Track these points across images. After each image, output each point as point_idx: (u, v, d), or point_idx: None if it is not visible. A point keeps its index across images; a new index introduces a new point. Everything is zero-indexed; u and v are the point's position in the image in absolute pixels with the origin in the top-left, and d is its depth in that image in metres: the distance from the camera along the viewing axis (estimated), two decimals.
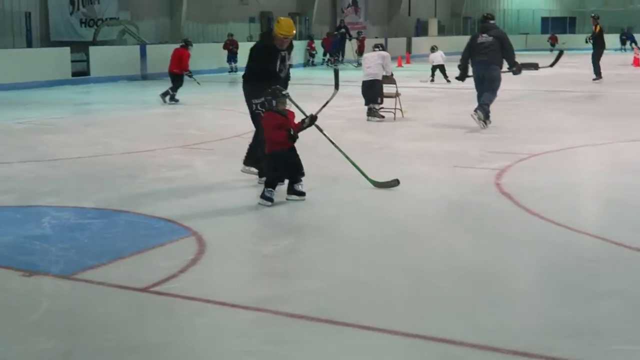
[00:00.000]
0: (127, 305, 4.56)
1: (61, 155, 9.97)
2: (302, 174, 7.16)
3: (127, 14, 25.95)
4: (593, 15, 23.18)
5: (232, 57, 26.22)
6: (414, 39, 39.75)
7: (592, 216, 7.03)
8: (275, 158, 7.09)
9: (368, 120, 13.24)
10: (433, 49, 22.38)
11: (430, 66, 22.32)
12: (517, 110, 14.56)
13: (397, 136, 11.47)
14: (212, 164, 9.32)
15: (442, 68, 21.39)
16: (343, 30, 31.74)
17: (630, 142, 10.60)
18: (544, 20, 51.52)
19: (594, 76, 21.46)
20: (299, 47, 30.67)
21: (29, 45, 22.19)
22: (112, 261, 5.31)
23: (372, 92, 13.43)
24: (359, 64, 29.46)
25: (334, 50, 31.49)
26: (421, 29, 42.63)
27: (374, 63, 13.58)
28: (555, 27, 50.77)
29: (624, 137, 10.99)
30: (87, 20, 24.53)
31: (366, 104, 13.51)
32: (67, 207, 6.99)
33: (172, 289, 4.76)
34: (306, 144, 7.83)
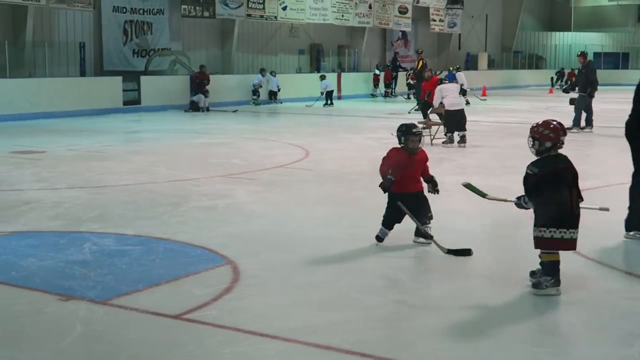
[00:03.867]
0: (158, 332, 4.61)
1: (107, 182, 10.15)
2: (430, 217, 6.70)
3: (178, 44, 26.39)
4: None
5: (200, 90, 23.79)
6: (464, 73, 39.66)
7: (630, 253, 6.90)
8: (397, 199, 6.65)
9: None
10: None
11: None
12: (566, 146, 14.38)
13: (441, 169, 11.43)
14: (253, 194, 9.38)
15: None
16: (398, 63, 32.09)
17: None
18: (597, 55, 51.04)
19: None
20: (356, 78, 30.93)
21: (83, 74, 22.68)
22: (147, 288, 5.38)
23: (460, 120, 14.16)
24: (408, 97, 29.59)
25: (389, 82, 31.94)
26: (471, 63, 42.56)
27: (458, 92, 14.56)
28: (608, 62, 50.26)
29: None
30: (140, 50, 25.00)
31: (450, 131, 14.17)
32: (109, 233, 7.12)
33: (204, 317, 4.80)
34: None
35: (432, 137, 14.27)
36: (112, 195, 9.29)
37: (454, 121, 14.14)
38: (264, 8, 26.79)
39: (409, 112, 21.10)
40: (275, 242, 6.90)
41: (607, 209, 6.07)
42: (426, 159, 6.86)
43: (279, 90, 26.74)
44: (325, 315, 4.97)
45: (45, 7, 21.22)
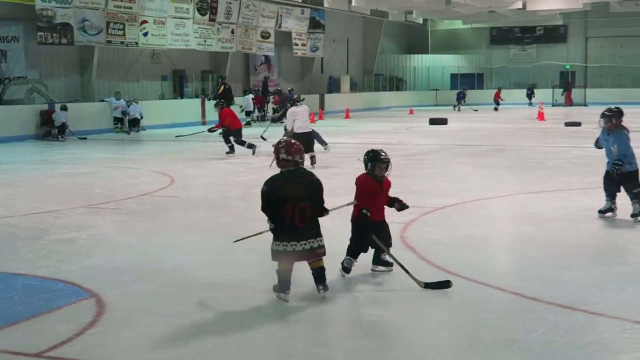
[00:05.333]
0: None
1: None
2: (390, 245, 6.53)
3: (35, 72, 25.53)
4: None
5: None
6: (327, 96, 40.30)
7: (492, 267, 7.16)
8: (362, 227, 6.42)
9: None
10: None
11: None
12: (424, 164, 14.85)
13: None
14: (117, 224, 9.17)
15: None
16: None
17: (532, 194, 10.92)
18: (453, 76, 52.96)
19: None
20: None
21: None
22: (5, 327, 5.16)
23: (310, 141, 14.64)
24: (274, 120, 29.71)
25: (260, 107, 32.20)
26: (334, 86, 43.25)
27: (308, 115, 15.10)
28: (464, 83, 52.25)
29: (525, 190, 11.32)
30: None
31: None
32: None
33: (67, 352, 4.66)
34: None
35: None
36: None
37: (304, 143, 14.25)
38: (124, 34, 26.32)
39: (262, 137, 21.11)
40: (141, 273, 6.76)
41: (354, 203, 6.45)
42: (390, 186, 6.61)
43: (141, 117, 26.31)
44: (194, 345, 4.91)
45: None
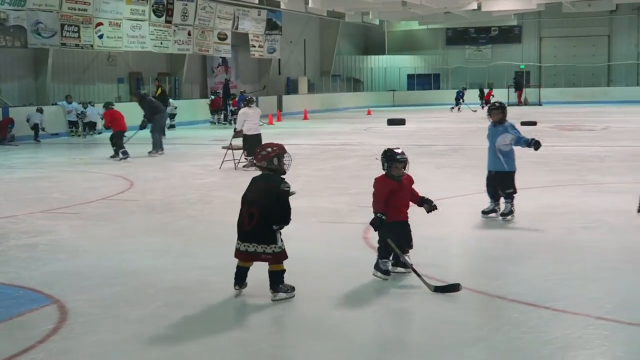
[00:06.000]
0: None
1: None
2: (411, 247, 6.47)
3: None
4: None
5: None
6: (285, 97, 40.29)
7: (454, 267, 7.21)
8: (388, 229, 6.33)
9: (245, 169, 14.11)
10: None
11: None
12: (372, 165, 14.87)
13: None
14: (77, 229, 9.05)
15: None
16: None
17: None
18: (410, 77, 53.30)
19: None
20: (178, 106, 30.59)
21: None
22: None
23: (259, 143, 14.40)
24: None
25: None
26: (292, 87, 43.27)
27: (258, 117, 15.09)
28: (421, 83, 52.65)
29: (485, 189, 11.38)
30: None
31: (251, 154, 14.45)
32: None
33: None
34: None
35: (234, 161, 14.70)
36: None
37: (254, 144, 14.40)
38: (79, 37, 26.01)
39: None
40: (103, 277, 6.67)
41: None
42: (412, 182, 6.56)
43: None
44: (159, 349, 4.86)
45: None
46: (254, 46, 36.80)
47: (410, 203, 6.60)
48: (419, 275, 6.12)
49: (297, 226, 8.52)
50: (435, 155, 16.84)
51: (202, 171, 14.72)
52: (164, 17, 29.86)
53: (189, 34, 31.61)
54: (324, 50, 48.14)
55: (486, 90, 43.74)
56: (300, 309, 5.72)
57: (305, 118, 34.80)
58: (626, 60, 49.57)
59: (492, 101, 40.84)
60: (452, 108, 40.18)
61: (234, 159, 14.73)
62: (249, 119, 14.83)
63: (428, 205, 6.56)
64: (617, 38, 50.56)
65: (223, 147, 15.23)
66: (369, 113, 38.38)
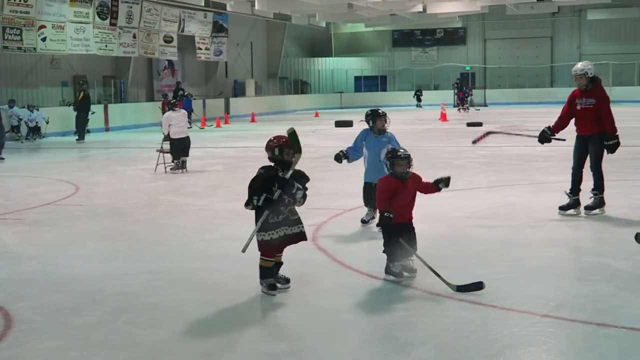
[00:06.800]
0: None
1: None
2: (415, 248, 6.34)
3: None
4: None
5: None
6: (232, 100, 40.13)
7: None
8: (395, 230, 6.24)
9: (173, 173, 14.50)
10: None
11: None
12: (333, 167, 14.86)
13: (216, 197, 11.44)
14: (20, 235, 8.88)
15: None
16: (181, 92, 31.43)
17: (439, 194, 11.02)
18: (357, 79, 53.54)
19: None
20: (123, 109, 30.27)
21: None
22: None
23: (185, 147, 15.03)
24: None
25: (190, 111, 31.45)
26: (239, 90, 43.11)
27: (185, 121, 15.27)
28: (368, 85, 52.93)
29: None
30: None
31: (177, 158, 14.84)
32: None
33: None
34: None
35: (165, 164, 14.81)
36: None
37: (180, 148, 14.89)
38: (21, 39, 25.54)
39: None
40: (47, 284, 6.56)
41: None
42: (419, 179, 6.45)
43: (47, 123, 25.63)
44: (108, 355, 4.79)
45: None
46: (201, 49, 36.59)
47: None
48: (438, 275, 6.04)
49: (248, 230, 8.51)
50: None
51: (148, 175, 14.58)
52: (108, 20, 29.48)
53: (134, 36, 31.28)
54: (271, 53, 48.07)
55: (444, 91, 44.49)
56: (251, 309, 5.69)
57: (253, 120, 34.72)
58: (568, 62, 50.39)
59: (462, 102, 40.91)
60: (460, 107, 40.64)
61: (164, 163, 14.79)
62: (173, 122, 14.93)
63: (442, 182, 6.47)
64: (559, 39, 51.47)
65: (157, 151, 15.23)
66: (316, 115, 38.43)
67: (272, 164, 6.16)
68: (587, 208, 9.15)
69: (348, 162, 8.93)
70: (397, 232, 6.23)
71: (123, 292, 6.25)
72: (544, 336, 4.99)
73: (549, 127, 9.51)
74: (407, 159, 6.28)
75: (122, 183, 13.54)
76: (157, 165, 14.87)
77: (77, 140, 24.08)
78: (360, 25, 51.72)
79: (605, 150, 9.18)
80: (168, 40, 33.74)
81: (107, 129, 28.96)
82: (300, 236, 6.13)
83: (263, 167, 6.16)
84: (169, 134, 14.89)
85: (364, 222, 8.75)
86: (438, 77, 51.31)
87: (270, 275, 6.07)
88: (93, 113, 25.81)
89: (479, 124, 26.22)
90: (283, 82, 48.14)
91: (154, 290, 6.30)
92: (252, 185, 6.08)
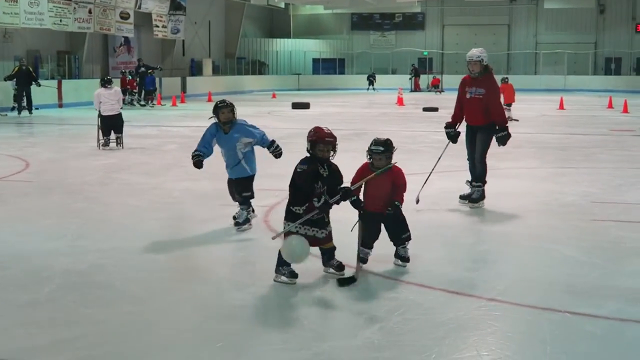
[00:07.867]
0: None
1: None
2: (406, 238, 6.31)
3: None
4: None
5: None
6: (189, 79, 39.82)
7: (352, 250, 7.26)
8: (366, 217, 6.18)
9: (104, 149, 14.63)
10: None
11: None
12: (288, 148, 14.81)
13: (169, 176, 11.35)
14: None
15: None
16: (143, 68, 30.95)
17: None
18: (315, 61, 53.48)
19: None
20: (77, 85, 29.81)
21: None
22: None
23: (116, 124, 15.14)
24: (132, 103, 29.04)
25: (152, 89, 31.02)
26: (196, 69, 42.79)
27: (116, 99, 15.20)
28: (326, 68, 52.90)
29: None
30: None
31: (106, 134, 15.04)
32: None
33: None
34: None
35: (100, 141, 15.02)
36: None
37: (109, 125, 15.03)
38: None
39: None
40: None
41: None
42: (399, 176, 6.25)
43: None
44: (52, 333, 4.75)
45: None
46: (157, 26, 36.22)
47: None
48: (357, 267, 6.03)
49: (200, 209, 8.50)
50: (339, 139, 16.90)
51: (100, 152, 14.41)
52: None
53: (90, 12, 30.84)
54: (229, 32, 47.75)
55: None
56: (203, 291, 5.68)
57: (210, 100, 34.47)
58: (524, 50, 51.00)
59: (437, 86, 41.91)
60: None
61: (98, 139, 14.98)
62: (103, 100, 14.95)
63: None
64: (516, 27, 51.95)
65: (98, 127, 15.15)
66: (273, 96, 38.31)
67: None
68: (471, 200, 9.10)
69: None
70: (363, 219, 6.18)
71: (71, 269, 6.20)
72: (489, 319, 5.05)
73: (447, 123, 9.49)
74: (385, 153, 6.21)
75: (74, 160, 13.37)
76: (98, 141, 15.00)
77: (18, 114, 24.06)
78: (319, 7, 51.60)
79: (497, 142, 9.21)
80: (124, 16, 33.32)
81: (60, 105, 28.54)
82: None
83: (305, 162, 6.13)
84: (98, 111, 14.97)
85: (238, 224, 7.72)
86: (396, 62, 51.46)
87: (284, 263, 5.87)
88: (40, 86, 25.18)
89: (435, 109, 26.39)
90: (241, 62, 47.89)
91: (103, 268, 6.25)
92: (293, 183, 6.12)
